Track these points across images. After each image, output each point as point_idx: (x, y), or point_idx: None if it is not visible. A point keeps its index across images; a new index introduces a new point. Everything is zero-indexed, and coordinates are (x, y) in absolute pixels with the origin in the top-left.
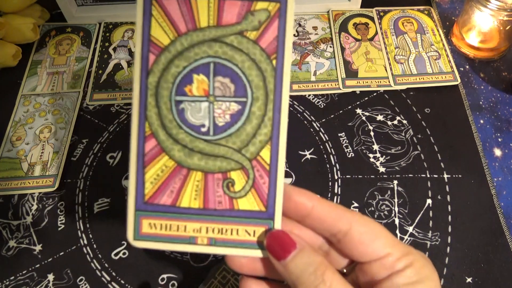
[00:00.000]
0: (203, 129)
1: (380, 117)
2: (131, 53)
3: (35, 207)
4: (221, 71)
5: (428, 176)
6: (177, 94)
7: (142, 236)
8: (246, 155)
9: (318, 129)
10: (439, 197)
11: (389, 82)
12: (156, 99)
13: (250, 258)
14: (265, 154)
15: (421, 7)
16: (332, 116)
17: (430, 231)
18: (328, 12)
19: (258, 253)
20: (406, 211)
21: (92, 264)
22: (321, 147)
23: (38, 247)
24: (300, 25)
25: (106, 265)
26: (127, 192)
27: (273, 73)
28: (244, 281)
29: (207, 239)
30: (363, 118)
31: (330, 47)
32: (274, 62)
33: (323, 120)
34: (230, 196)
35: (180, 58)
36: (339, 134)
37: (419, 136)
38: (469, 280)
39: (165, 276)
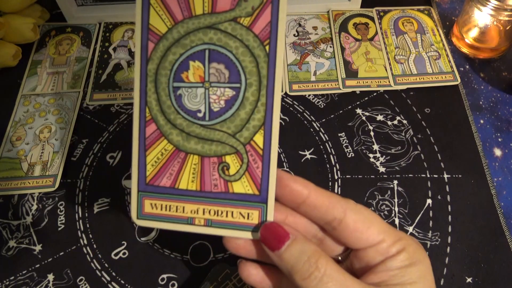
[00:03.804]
0: (200, 114)
1: (380, 117)
2: (131, 53)
3: (35, 207)
4: (215, 57)
5: (428, 176)
6: (174, 81)
7: (144, 215)
8: (240, 140)
9: (318, 129)
10: (439, 197)
11: (389, 82)
12: (155, 86)
13: (245, 240)
14: (258, 139)
15: (421, 7)
16: (332, 116)
17: (430, 231)
18: (328, 12)
19: (252, 235)
20: (406, 211)
21: (92, 264)
22: (321, 147)
23: (38, 247)
24: (300, 25)
25: (106, 265)
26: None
27: (266, 58)
28: (243, 265)
29: (204, 220)
30: (363, 118)
31: (330, 47)
32: (267, 48)
33: (323, 120)
34: (225, 179)
35: (177, 46)
36: (339, 134)
37: (419, 136)
38: (469, 280)
39: (165, 276)
